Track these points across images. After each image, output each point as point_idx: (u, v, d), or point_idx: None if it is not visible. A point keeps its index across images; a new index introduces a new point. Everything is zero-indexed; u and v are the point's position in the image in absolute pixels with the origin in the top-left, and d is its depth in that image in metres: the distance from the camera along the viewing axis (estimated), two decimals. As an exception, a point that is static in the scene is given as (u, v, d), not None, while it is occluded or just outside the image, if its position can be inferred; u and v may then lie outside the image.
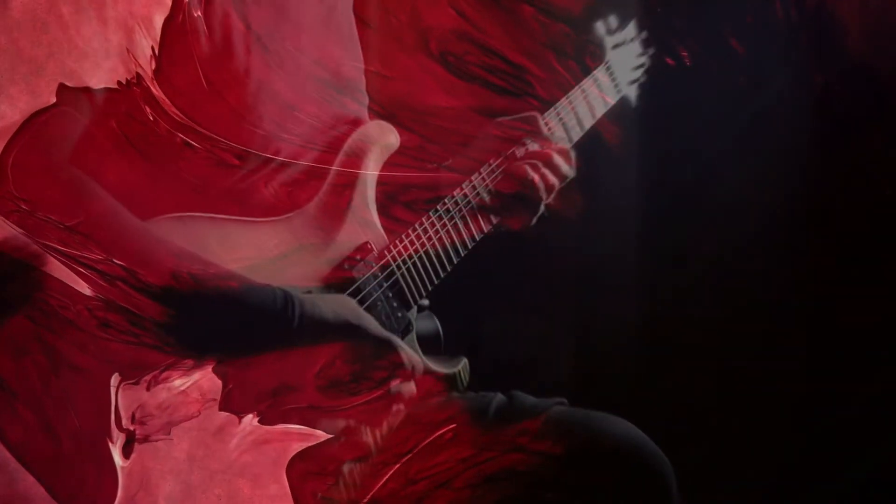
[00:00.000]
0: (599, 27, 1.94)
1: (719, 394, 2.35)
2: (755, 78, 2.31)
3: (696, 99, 2.29)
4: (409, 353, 1.51)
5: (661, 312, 2.39)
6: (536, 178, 1.73)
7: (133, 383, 1.32)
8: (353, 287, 1.49)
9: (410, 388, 1.51)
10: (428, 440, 1.48)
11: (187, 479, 1.43)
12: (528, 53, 1.97)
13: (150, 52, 1.26)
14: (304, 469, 1.40)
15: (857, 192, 2.26)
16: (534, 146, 1.75)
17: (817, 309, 2.29)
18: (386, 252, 1.55)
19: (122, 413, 1.32)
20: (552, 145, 1.78)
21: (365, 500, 1.44)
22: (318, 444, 1.41)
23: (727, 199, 2.40)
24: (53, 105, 1.25)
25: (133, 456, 1.37)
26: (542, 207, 1.76)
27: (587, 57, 1.98)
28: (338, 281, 1.50)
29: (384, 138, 1.59)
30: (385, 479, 1.44)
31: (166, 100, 1.28)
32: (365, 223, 1.55)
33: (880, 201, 2.25)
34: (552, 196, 1.77)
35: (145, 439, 1.36)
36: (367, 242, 1.53)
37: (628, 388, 2.28)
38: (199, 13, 1.31)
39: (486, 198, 1.67)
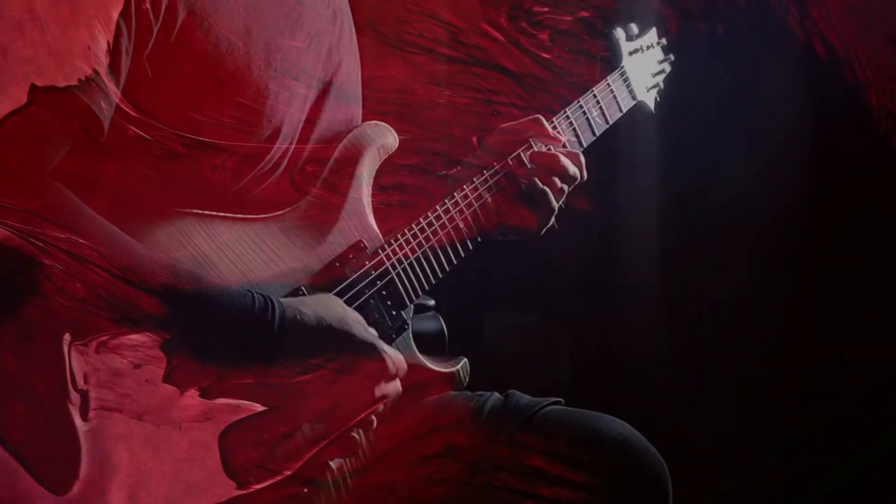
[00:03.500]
0: (617, 33, 2.26)
1: (718, 394, 2.75)
2: (761, 70, 2.69)
3: (701, 95, 2.66)
4: (394, 357, 1.74)
5: (661, 313, 2.81)
6: (546, 187, 1.98)
7: (82, 345, 1.60)
8: (344, 285, 1.77)
9: (396, 387, 1.76)
10: (362, 415, 1.75)
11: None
12: (459, 13, 2.30)
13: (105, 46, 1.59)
14: (237, 439, 1.68)
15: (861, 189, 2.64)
16: (540, 147, 2.03)
17: (825, 310, 2.69)
18: (380, 251, 1.84)
19: (76, 373, 1.62)
20: (560, 147, 2.06)
21: (288, 473, 1.71)
22: (254, 414, 1.68)
23: (732, 199, 2.79)
24: (24, 105, 1.57)
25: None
26: (552, 220, 2.04)
27: (520, 13, 2.33)
28: (328, 279, 1.79)
29: (382, 138, 1.92)
30: (315, 452, 1.72)
31: (118, 93, 1.63)
32: (360, 222, 1.86)
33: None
34: (562, 200, 2.05)
35: (139, 417, 1.64)
36: (360, 241, 1.83)
37: (627, 389, 2.70)
38: (147, 6, 1.65)
39: (490, 201, 1.97)
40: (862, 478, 2.55)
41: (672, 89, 2.42)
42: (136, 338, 1.63)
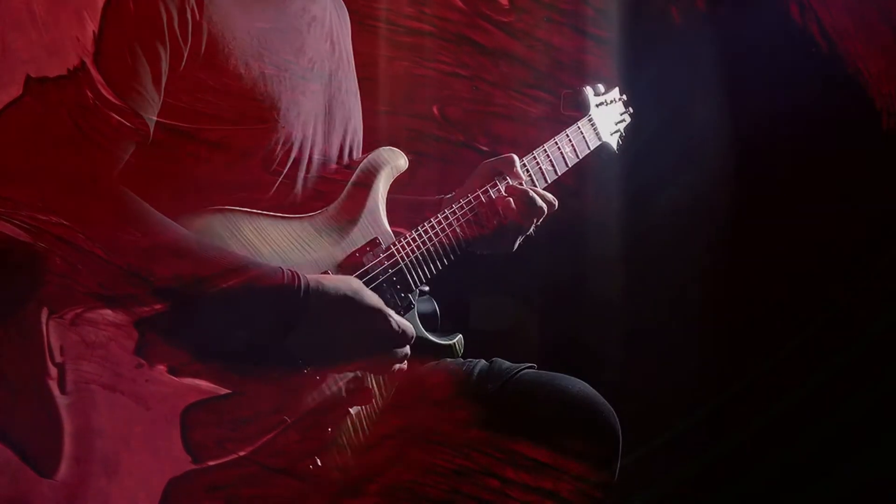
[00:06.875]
0: (587, 90, 2.94)
1: (659, 358, 3.28)
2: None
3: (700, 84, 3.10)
4: (399, 320, 2.32)
5: (618, 297, 3.40)
6: (509, 219, 2.60)
7: (59, 317, 1.91)
8: (362, 271, 2.38)
9: (405, 350, 2.34)
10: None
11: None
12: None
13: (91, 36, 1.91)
14: (199, 417, 2.03)
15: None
16: (505, 183, 2.65)
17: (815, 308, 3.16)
18: (392, 245, 2.48)
19: (53, 346, 1.90)
20: (521, 184, 2.70)
21: (243, 453, 2.07)
22: (218, 396, 2.05)
23: (725, 192, 3.24)
24: (19, 97, 1.89)
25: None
26: (520, 239, 2.68)
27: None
28: (350, 266, 2.36)
29: (394, 161, 2.58)
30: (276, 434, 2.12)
31: (102, 81, 1.94)
32: (376, 224, 2.49)
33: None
34: (533, 227, 2.67)
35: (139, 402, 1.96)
36: (376, 238, 2.46)
37: (586, 356, 3.44)
38: (176, 30, 2.03)
39: (459, 231, 2.57)
40: (788, 425, 3.23)
41: (672, 78, 3.06)
42: (110, 312, 1.97)
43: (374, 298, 2.30)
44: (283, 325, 2.15)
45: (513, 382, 2.56)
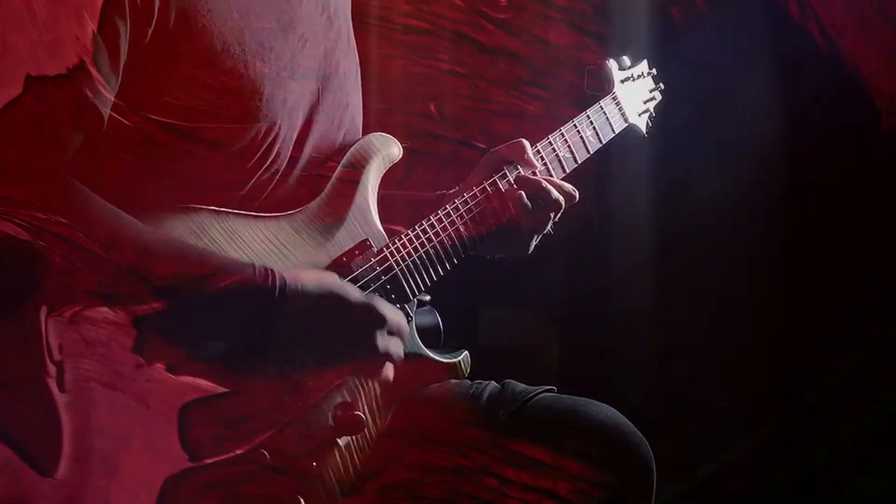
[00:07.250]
0: (610, 63, 2.72)
1: (697, 384, 3.19)
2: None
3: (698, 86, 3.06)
4: (392, 311, 2.11)
5: (644, 308, 3.26)
6: (521, 211, 2.34)
7: (57, 315, 1.93)
8: (350, 278, 2.15)
9: (398, 344, 2.14)
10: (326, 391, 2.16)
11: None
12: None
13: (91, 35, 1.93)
14: (197, 415, 2.03)
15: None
16: (515, 173, 2.41)
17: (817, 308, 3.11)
18: (384, 248, 2.23)
19: (52, 344, 1.92)
20: (532, 172, 2.43)
21: (239, 452, 2.06)
22: (216, 395, 2.04)
23: (725, 196, 3.20)
24: (19, 96, 1.91)
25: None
26: (536, 240, 2.44)
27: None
28: (335, 271, 2.16)
29: (386, 149, 2.33)
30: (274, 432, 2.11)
31: (100, 79, 1.97)
32: (366, 224, 2.27)
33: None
34: (550, 224, 2.43)
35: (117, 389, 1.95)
36: (366, 240, 2.23)
37: (613, 378, 3.17)
38: (139, 5, 1.99)
39: (463, 230, 2.36)
40: (831, 463, 3.09)
41: (671, 81, 2.90)
42: (109, 310, 1.99)
43: (358, 292, 2.11)
44: (257, 330, 2.02)
45: (528, 409, 2.37)
